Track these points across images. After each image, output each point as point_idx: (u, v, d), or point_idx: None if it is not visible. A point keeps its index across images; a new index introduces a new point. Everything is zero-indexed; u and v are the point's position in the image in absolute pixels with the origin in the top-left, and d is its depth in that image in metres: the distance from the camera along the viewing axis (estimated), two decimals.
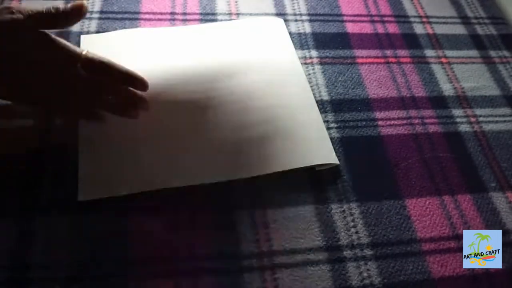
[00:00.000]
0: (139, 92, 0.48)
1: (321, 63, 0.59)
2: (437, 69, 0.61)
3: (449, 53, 0.63)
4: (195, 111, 0.51)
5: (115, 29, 0.58)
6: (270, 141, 0.49)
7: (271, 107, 0.52)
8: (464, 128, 0.55)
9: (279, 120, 0.51)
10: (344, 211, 0.46)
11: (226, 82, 0.54)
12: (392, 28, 0.65)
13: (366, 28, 0.64)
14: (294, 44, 0.60)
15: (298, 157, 0.48)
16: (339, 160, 0.49)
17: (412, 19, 0.67)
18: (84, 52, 0.44)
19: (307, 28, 0.63)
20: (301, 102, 0.54)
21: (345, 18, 0.65)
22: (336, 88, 0.57)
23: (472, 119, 0.56)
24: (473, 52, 0.64)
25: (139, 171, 0.46)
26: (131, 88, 0.48)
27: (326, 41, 0.62)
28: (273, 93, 0.54)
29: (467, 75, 0.61)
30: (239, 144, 0.49)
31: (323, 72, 0.58)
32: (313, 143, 0.50)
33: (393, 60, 0.61)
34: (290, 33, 0.61)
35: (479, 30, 0.67)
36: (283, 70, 0.56)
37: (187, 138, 0.49)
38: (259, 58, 0.57)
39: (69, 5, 0.44)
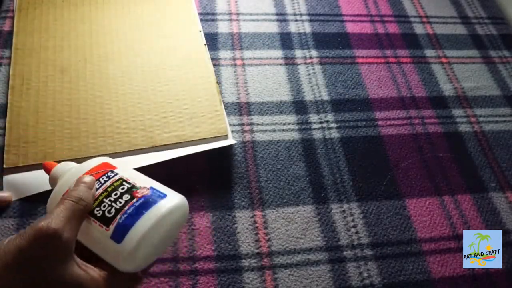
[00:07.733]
0: None
1: (321, 63, 0.59)
2: (437, 69, 0.61)
3: (449, 53, 0.63)
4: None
5: None
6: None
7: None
8: (464, 128, 0.55)
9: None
10: (344, 211, 0.46)
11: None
12: (392, 28, 0.65)
13: (366, 28, 0.64)
14: (294, 44, 0.60)
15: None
16: (339, 160, 0.49)
17: (412, 19, 0.67)
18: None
19: (307, 28, 0.63)
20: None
21: (345, 18, 0.65)
22: (336, 88, 0.57)
23: (472, 119, 0.56)
24: (473, 52, 0.64)
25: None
26: None
27: (326, 41, 0.62)
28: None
29: (467, 75, 0.61)
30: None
31: (323, 72, 0.58)
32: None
33: (393, 60, 0.61)
34: (290, 33, 0.61)
35: (479, 30, 0.67)
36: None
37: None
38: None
39: None
